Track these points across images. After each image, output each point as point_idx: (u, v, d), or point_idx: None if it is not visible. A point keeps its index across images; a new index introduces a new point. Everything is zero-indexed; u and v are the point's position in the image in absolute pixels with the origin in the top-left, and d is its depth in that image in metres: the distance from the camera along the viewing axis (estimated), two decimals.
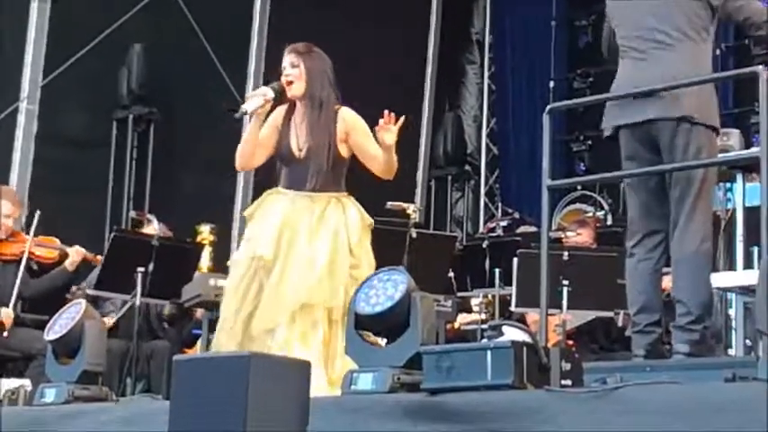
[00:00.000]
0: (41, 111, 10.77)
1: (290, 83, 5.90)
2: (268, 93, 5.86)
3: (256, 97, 5.85)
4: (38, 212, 8.08)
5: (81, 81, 10.95)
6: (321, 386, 5.21)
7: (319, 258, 5.64)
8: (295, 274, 5.63)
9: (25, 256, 7.80)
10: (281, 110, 5.99)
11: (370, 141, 5.87)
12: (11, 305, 7.64)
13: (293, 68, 5.91)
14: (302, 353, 5.33)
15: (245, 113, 5.83)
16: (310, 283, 5.61)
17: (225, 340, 5.73)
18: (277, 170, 5.97)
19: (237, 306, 5.70)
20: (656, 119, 5.62)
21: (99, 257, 8.21)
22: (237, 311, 5.70)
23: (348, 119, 5.90)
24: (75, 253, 8.03)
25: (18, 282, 7.72)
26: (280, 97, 5.92)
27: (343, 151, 5.88)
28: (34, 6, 10.74)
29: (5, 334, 7.61)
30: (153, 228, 8.89)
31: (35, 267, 8.17)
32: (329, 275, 5.63)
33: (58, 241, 8.30)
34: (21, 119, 10.70)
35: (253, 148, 5.94)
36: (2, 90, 10.64)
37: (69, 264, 8.01)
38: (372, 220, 5.93)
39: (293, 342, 5.54)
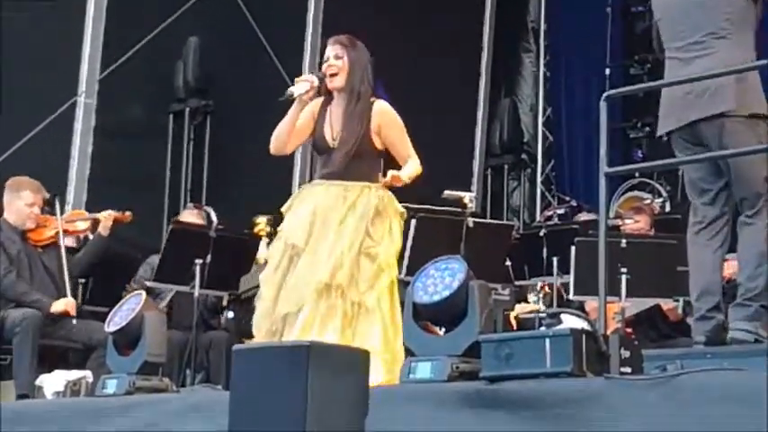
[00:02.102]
0: (99, 105, 10.85)
1: (334, 74, 5.94)
2: (315, 80, 5.94)
3: (304, 82, 5.92)
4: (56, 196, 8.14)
5: (138, 74, 11.02)
6: None
7: (340, 244, 5.71)
8: (319, 260, 5.71)
9: (61, 235, 7.84)
10: (318, 101, 6.05)
11: (403, 141, 5.94)
12: (68, 290, 7.70)
13: (337, 60, 5.95)
14: (318, 337, 5.46)
15: (292, 96, 5.88)
16: (329, 267, 5.67)
17: (263, 324, 5.81)
18: (313, 162, 6.03)
19: (274, 294, 5.77)
20: (697, 120, 5.62)
21: (128, 213, 8.22)
22: (275, 299, 5.77)
23: (383, 112, 5.94)
24: (105, 217, 8.05)
25: (65, 262, 7.76)
26: (320, 86, 5.98)
27: (377, 143, 5.91)
28: (91, 2, 10.81)
29: (74, 322, 7.68)
30: (189, 214, 9.02)
31: (75, 245, 8.23)
32: (348, 261, 5.68)
33: (86, 212, 8.38)
34: (79, 113, 10.78)
35: (290, 132, 5.98)
36: (60, 84, 10.73)
37: (102, 229, 8.02)
38: (402, 210, 5.95)
39: (314, 324, 5.59)
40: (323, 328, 5.61)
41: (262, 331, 5.81)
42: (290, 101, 5.94)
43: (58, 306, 7.58)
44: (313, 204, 5.83)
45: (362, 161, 5.87)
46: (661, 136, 5.92)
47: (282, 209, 6.04)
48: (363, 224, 5.73)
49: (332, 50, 5.98)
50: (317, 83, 5.92)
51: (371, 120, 5.88)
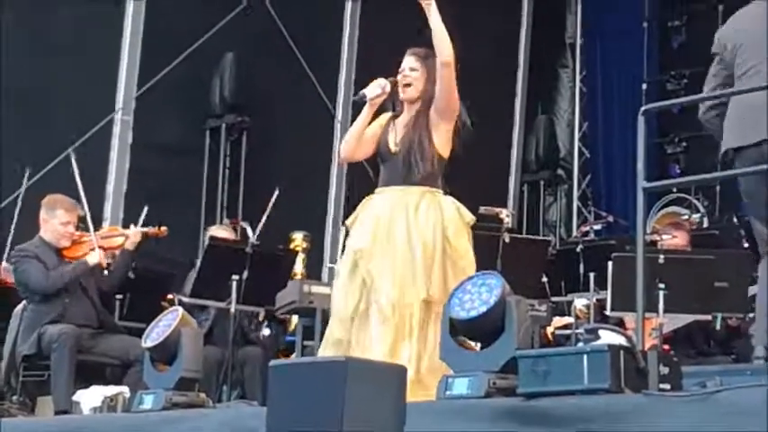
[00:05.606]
0: (136, 121, 10.90)
1: (408, 85, 5.91)
2: (387, 86, 5.90)
3: (377, 86, 5.89)
4: (85, 206, 8.13)
5: (174, 91, 11.06)
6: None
7: (417, 253, 5.63)
8: (394, 266, 5.63)
9: (96, 251, 7.86)
10: (387, 115, 6.01)
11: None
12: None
13: (413, 71, 5.92)
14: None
15: (364, 97, 5.87)
16: (407, 280, 5.59)
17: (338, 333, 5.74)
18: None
19: (345, 301, 5.72)
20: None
21: (164, 228, 8.22)
22: (347, 306, 5.71)
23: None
24: (134, 234, 8.07)
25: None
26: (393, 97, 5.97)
27: (441, 149, 5.85)
28: (128, 19, 10.87)
29: (105, 272, 7.84)
30: (220, 229, 9.05)
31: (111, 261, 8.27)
32: (424, 270, 5.60)
33: (118, 228, 8.45)
34: (116, 129, 10.84)
35: (359, 135, 5.92)
36: (97, 101, 10.78)
37: (129, 244, 8.04)
38: (473, 217, 5.92)
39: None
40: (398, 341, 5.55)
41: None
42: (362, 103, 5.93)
43: (93, 258, 7.68)
44: (375, 212, 5.79)
45: (426, 168, 5.79)
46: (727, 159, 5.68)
47: (347, 222, 6.01)
48: (439, 233, 5.67)
49: (408, 61, 5.97)
50: (388, 89, 5.89)
51: (430, 118, 5.85)
